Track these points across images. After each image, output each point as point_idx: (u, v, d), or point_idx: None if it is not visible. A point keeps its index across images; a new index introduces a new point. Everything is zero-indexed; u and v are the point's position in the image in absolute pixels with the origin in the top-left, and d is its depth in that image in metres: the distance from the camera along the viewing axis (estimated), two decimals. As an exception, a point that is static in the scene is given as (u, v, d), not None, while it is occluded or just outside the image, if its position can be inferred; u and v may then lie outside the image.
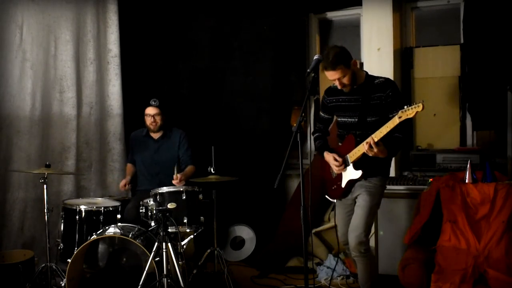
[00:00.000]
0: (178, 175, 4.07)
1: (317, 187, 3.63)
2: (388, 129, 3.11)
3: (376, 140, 3.14)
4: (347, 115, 3.44)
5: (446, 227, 3.44)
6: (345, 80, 3.27)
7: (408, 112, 3.02)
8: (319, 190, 3.74)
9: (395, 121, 3.07)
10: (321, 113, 3.68)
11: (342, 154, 3.45)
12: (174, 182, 4.05)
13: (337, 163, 3.40)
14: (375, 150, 3.13)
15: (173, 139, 4.44)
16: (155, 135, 4.46)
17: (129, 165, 4.60)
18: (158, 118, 4.37)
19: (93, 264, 3.85)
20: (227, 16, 5.19)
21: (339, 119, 3.52)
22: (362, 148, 3.23)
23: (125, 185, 4.35)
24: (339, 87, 3.34)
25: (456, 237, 3.38)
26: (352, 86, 3.34)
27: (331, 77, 3.26)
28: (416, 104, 3.00)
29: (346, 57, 3.24)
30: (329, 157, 3.48)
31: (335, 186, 3.54)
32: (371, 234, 4.14)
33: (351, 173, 3.39)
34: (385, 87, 3.30)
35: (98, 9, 4.90)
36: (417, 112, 2.99)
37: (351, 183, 3.42)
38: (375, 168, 3.36)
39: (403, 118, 3.05)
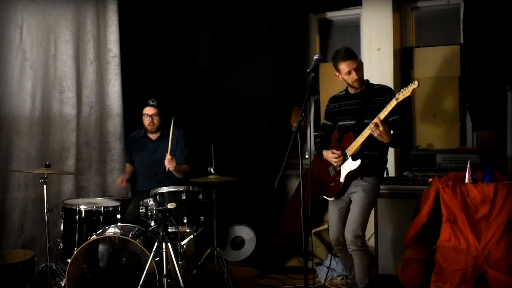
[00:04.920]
0: (169, 156, 4.05)
1: (317, 187, 3.67)
2: (387, 112, 3.27)
3: (381, 118, 3.27)
4: (347, 118, 3.62)
5: (446, 227, 3.44)
6: (360, 73, 3.51)
7: (405, 92, 3.19)
8: (319, 190, 3.76)
9: (392, 103, 3.24)
10: (324, 121, 3.87)
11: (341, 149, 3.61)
12: (165, 162, 4.05)
13: (335, 155, 3.55)
14: (381, 128, 3.25)
15: (172, 138, 4.43)
16: (153, 136, 4.45)
17: (128, 165, 4.59)
18: (156, 119, 4.36)
19: (93, 264, 3.85)
20: (227, 16, 5.19)
21: (340, 123, 3.69)
22: (364, 135, 3.38)
23: (122, 181, 4.35)
24: (354, 78, 3.49)
25: (456, 237, 3.38)
26: (361, 85, 3.55)
27: (349, 66, 3.46)
28: (411, 83, 3.16)
29: (356, 54, 3.52)
30: (327, 153, 3.64)
31: (333, 183, 3.63)
32: (371, 234, 4.15)
33: (349, 165, 3.52)
34: (384, 92, 3.52)
35: (98, 9, 4.90)
36: (413, 89, 3.16)
37: (350, 176, 3.53)
38: (370, 167, 3.51)
39: (400, 99, 3.22)
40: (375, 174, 3.56)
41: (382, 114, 3.29)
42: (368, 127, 3.34)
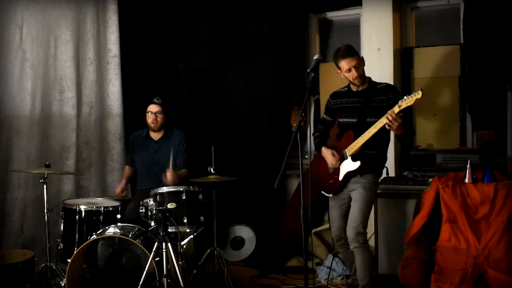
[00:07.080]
0: (171, 171, 4.06)
1: (317, 187, 3.68)
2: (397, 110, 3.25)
3: (396, 111, 3.23)
4: (348, 115, 3.63)
5: (446, 227, 3.44)
6: (360, 70, 3.51)
7: (408, 100, 3.19)
8: (318, 190, 3.76)
9: (395, 110, 3.24)
10: (324, 116, 3.90)
11: (340, 149, 3.63)
12: (165, 178, 4.05)
13: (333, 160, 3.60)
14: (400, 120, 3.22)
15: (173, 140, 4.43)
16: (155, 136, 4.45)
17: (126, 168, 4.58)
18: (159, 116, 4.36)
19: (93, 264, 3.85)
20: (227, 16, 5.19)
21: (341, 120, 3.71)
22: (365, 137, 3.40)
23: (122, 191, 4.36)
24: (354, 76, 3.50)
25: (456, 237, 3.39)
26: (362, 82, 3.55)
27: (348, 64, 3.47)
28: (415, 92, 3.16)
29: (357, 51, 3.53)
30: (326, 151, 3.68)
31: (332, 181, 3.68)
32: (371, 234, 4.15)
33: (349, 165, 3.55)
34: (387, 90, 3.55)
35: (98, 9, 4.90)
36: (416, 99, 3.15)
37: (349, 175, 3.57)
38: (369, 165, 3.54)
39: (403, 107, 3.21)
40: (374, 171, 3.61)
41: (396, 109, 3.26)
42: (374, 126, 3.36)
